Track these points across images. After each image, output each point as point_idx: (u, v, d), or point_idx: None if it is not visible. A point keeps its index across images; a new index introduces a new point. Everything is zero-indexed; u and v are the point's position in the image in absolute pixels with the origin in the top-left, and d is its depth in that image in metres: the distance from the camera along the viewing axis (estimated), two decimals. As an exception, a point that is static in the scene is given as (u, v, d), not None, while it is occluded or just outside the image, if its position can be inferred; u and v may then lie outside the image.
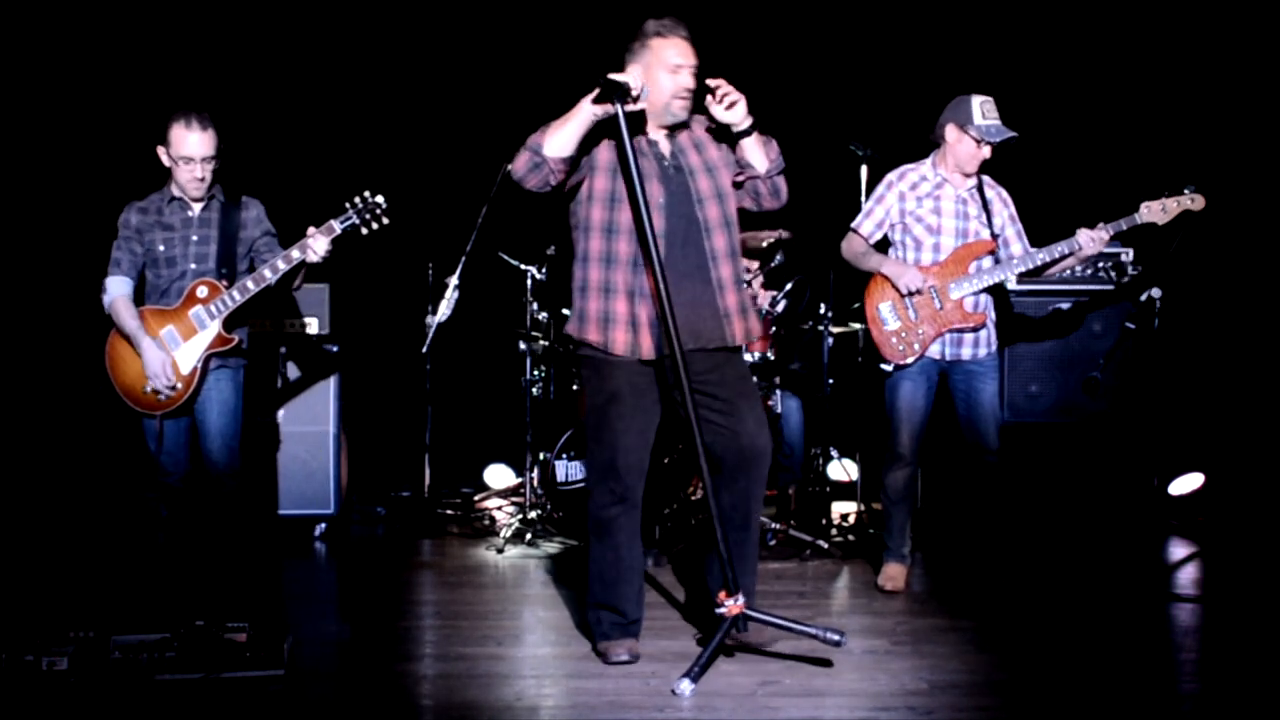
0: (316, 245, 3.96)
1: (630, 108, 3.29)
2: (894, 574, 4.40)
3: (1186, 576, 4.76)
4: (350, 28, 6.42)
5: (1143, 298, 4.95)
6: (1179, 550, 5.16)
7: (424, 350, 5.55)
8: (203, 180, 4.04)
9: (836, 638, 3.35)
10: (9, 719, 3.01)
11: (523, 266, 5.59)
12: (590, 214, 3.48)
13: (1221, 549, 5.16)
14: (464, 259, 5.30)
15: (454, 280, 5.29)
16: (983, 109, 4.23)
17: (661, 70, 3.43)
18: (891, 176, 4.41)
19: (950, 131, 4.27)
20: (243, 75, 6.25)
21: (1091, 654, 3.60)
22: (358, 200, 4.02)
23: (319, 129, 6.43)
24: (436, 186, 6.46)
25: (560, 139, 3.34)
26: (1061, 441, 5.51)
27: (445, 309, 5.29)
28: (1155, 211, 4.20)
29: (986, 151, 4.24)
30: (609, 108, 3.27)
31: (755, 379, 5.21)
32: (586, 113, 3.31)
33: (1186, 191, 4.19)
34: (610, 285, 3.47)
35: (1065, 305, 5.49)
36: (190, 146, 3.99)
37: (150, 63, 6.15)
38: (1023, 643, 3.75)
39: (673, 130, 3.55)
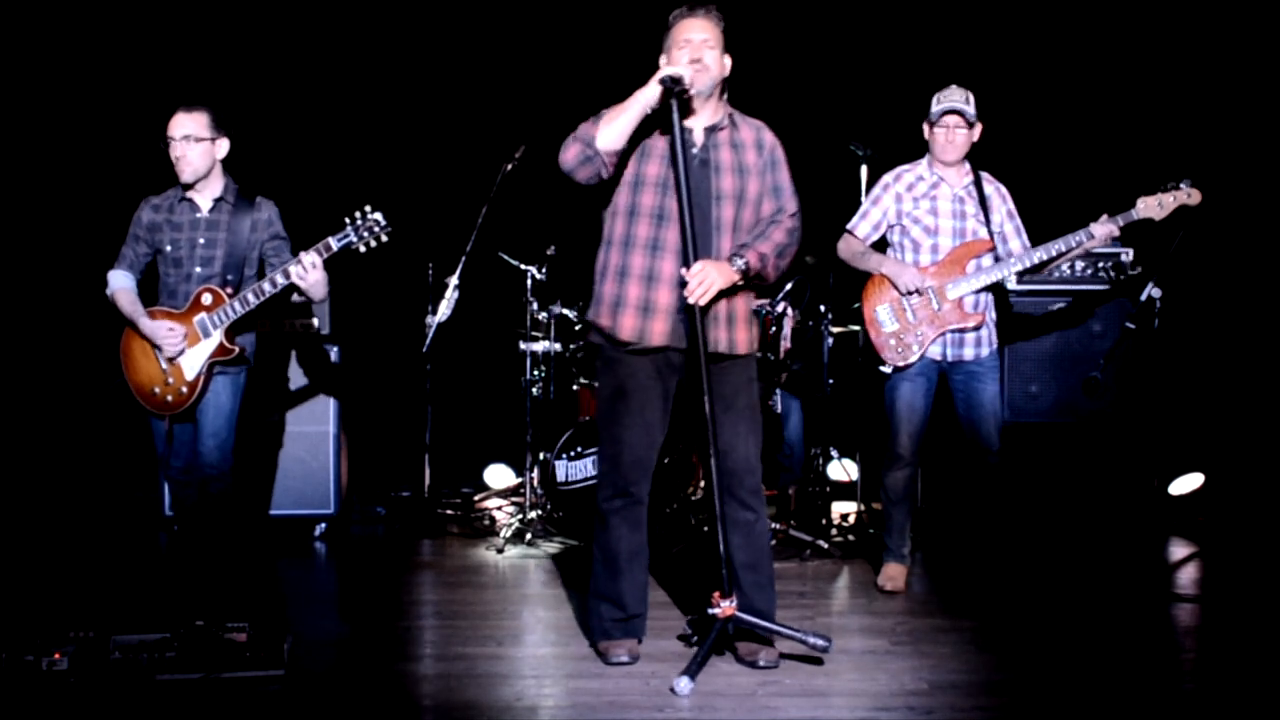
0: (306, 260, 3.89)
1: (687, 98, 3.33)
2: (894, 574, 4.40)
3: (1186, 576, 4.76)
4: (351, 29, 6.42)
5: (1143, 298, 4.94)
6: (1179, 550, 5.16)
7: (424, 350, 5.55)
8: (181, 159, 4.04)
9: (824, 644, 3.36)
10: (9, 719, 3.01)
11: (523, 266, 5.59)
12: (617, 197, 3.49)
13: (1221, 549, 5.16)
14: (464, 259, 5.30)
15: (454, 280, 5.29)
16: (938, 98, 4.28)
17: (675, 49, 3.44)
18: (888, 178, 4.41)
19: (926, 131, 4.34)
20: (244, 77, 6.25)
21: (1091, 654, 3.60)
22: (356, 216, 3.94)
23: (319, 130, 6.43)
24: (436, 186, 6.47)
25: (614, 132, 3.34)
26: (1061, 441, 5.50)
27: (445, 309, 5.29)
28: (1151, 207, 4.13)
29: (958, 137, 4.24)
30: (656, 100, 3.30)
31: (755, 379, 5.22)
32: (640, 105, 3.32)
33: (1183, 186, 4.12)
34: (627, 269, 3.46)
35: (1065, 305, 5.48)
36: (170, 126, 4.05)
37: (159, 65, 6.16)
38: (1023, 643, 3.75)
39: (713, 127, 3.49)
